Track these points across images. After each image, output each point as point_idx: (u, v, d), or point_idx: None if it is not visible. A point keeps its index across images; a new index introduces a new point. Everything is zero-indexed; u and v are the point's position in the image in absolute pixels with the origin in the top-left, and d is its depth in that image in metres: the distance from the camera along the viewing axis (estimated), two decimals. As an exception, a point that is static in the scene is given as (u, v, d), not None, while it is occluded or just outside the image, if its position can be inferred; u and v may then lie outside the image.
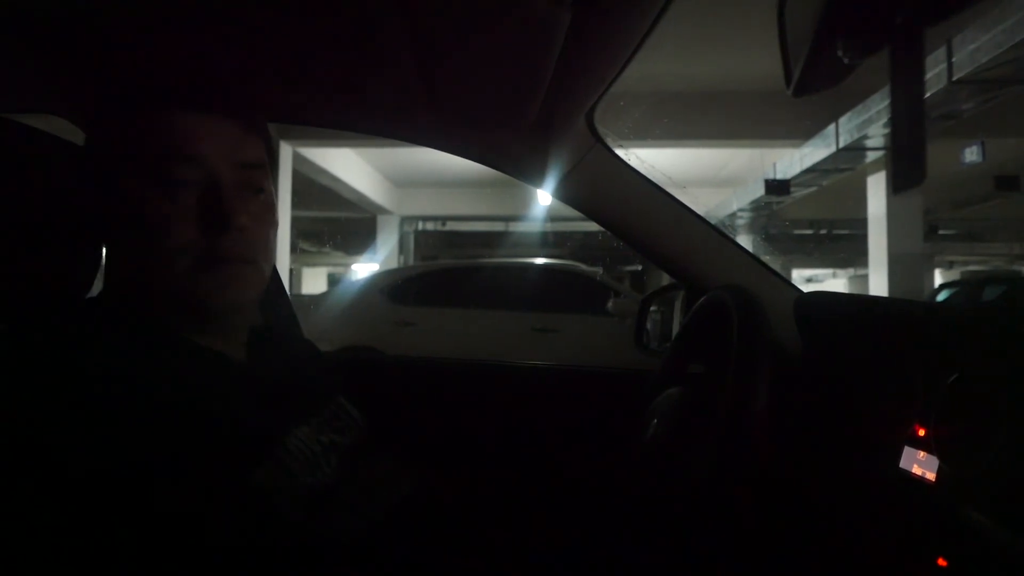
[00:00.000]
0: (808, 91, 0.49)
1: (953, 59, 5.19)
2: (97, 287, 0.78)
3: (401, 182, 12.81)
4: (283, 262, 8.38)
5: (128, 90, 0.72)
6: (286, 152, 8.21)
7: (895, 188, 0.39)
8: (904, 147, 0.39)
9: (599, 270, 6.55)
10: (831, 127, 7.39)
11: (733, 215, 11.62)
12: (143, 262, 0.68)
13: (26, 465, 0.52)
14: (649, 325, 1.49)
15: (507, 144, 1.14)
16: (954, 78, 5.24)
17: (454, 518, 0.99)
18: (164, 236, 0.67)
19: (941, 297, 9.86)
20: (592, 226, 1.57)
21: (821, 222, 13.92)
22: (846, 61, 0.44)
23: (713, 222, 1.18)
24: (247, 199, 0.72)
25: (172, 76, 0.79)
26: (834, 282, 22.22)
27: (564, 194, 1.20)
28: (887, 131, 6.53)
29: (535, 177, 1.18)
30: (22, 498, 0.52)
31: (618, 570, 0.91)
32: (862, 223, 9.13)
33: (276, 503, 0.64)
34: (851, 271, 20.28)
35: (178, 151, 0.68)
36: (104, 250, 0.76)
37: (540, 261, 6.58)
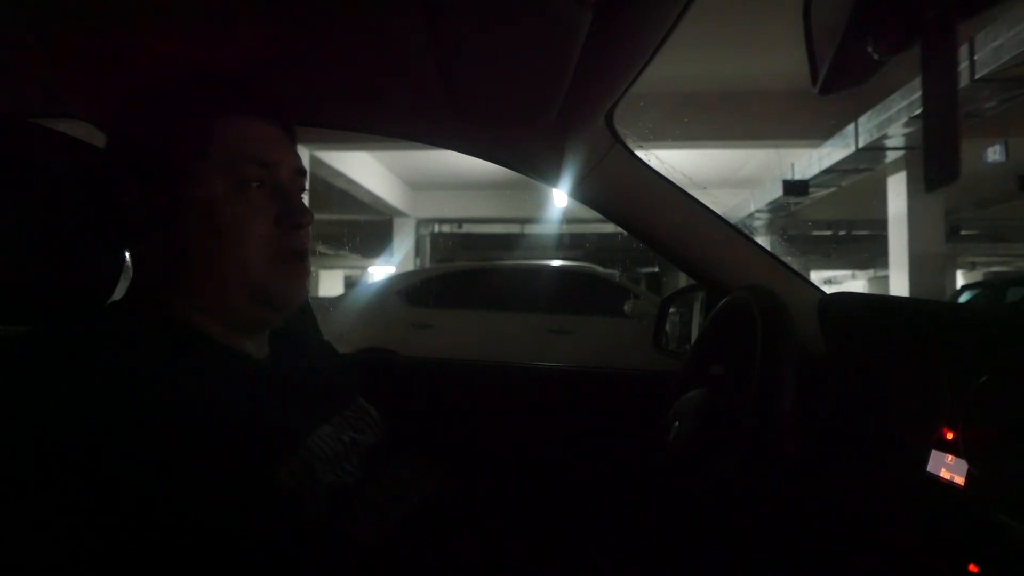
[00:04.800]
0: (835, 89, 0.48)
1: (976, 57, 5.10)
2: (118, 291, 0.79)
3: (417, 185, 12.83)
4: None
5: (158, 92, 0.74)
6: (303, 155, 8.23)
7: (928, 187, 0.38)
8: (937, 145, 0.39)
9: (616, 272, 6.51)
10: (850, 127, 7.30)
11: (751, 216, 11.50)
12: (220, 262, 0.70)
13: (53, 464, 0.53)
14: (668, 327, 1.48)
15: (526, 145, 1.13)
16: (976, 76, 5.15)
17: (473, 519, 0.99)
18: (241, 234, 0.70)
19: (963, 299, 9.68)
20: (608, 228, 1.57)
21: (840, 223, 13.73)
22: (875, 58, 0.43)
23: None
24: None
25: (193, 79, 0.80)
26: (853, 283, 21.92)
27: (583, 195, 1.19)
28: (907, 131, 6.44)
29: (554, 178, 1.18)
30: (49, 498, 0.52)
31: (640, 571, 0.91)
32: (882, 224, 9.00)
33: (299, 502, 0.65)
34: (871, 272, 20.00)
35: (252, 156, 0.71)
36: (129, 254, 0.77)
37: (556, 263, 6.56)
